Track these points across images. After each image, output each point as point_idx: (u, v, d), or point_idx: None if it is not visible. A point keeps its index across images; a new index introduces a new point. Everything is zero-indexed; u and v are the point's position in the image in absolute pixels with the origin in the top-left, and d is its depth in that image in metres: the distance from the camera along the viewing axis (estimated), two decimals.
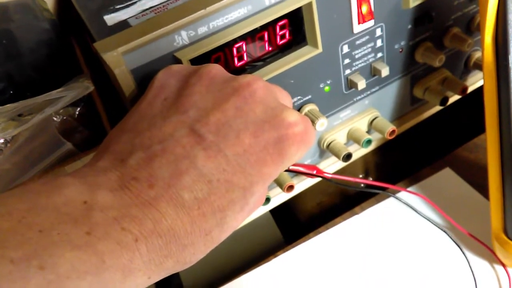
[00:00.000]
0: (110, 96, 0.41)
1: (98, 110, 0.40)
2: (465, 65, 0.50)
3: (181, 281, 0.52)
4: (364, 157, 0.58)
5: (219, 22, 0.34)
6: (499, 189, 0.39)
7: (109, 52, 0.31)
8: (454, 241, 0.44)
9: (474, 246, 0.43)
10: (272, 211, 0.59)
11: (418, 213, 0.47)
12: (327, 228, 0.49)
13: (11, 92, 0.47)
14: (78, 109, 0.42)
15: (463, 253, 0.43)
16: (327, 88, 0.43)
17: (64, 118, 0.37)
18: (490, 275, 0.42)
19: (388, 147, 0.55)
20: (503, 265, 0.42)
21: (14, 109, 0.32)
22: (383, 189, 0.49)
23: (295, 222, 0.62)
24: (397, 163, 0.63)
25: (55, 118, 0.36)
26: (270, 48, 0.38)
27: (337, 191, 0.65)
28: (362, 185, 0.60)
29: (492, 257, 0.42)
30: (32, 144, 0.35)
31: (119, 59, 0.31)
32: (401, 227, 0.47)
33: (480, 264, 0.42)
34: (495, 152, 0.39)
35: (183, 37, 0.33)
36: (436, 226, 0.46)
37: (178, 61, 0.34)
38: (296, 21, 0.38)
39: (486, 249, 0.42)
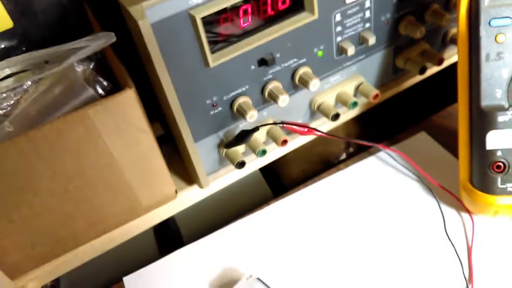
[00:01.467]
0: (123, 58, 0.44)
1: (113, 66, 0.44)
2: (442, 40, 0.56)
3: (179, 228, 0.57)
4: (346, 125, 0.63)
5: None
6: (467, 144, 0.45)
7: (134, 5, 0.35)
8: (428, 188, 0.50)
9: (445, 197, 0.49)
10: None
11: (398, 168, 0.53)
12: (315, 182, 0.54)
13: (24, 49, 0.50)
14: (92, 63, 0.45)
15: (436, 200, 0.49)
16: (320, 53, 0.48)
17: (85, 68, 0.41)
18: (458, 221, 0.47)
19: (369, 114, 0.60)
20: (469, 212, 0.47)
21: (42, 55, 0.36)
22: (366, 148, 0.54)
23: (281, 187, 0.67)
24: (377, 130, 0.68)
25: (77, 69, 0.40)
26: (272, 12, 0.42)
27: (320, 159, 0.70)
28: (344, 156, 0.65)
29: (460, 206, 0.48)
30: (57, 89, 0.39)
31: (143, 12, 0.35)
32: (382, 181, 0.52)
33: (449, 212, 0.48)
34: (464, 112, 0.44)
35: None
36: (412, 177, 0.52)
37: (192, 18, 0.38)
38: None
39: (454, 199, 0.48)
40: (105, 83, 0.42)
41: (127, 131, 0.42)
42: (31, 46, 0.49)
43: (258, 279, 0.43)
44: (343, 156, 0.67)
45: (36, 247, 0.44)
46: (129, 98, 0.40)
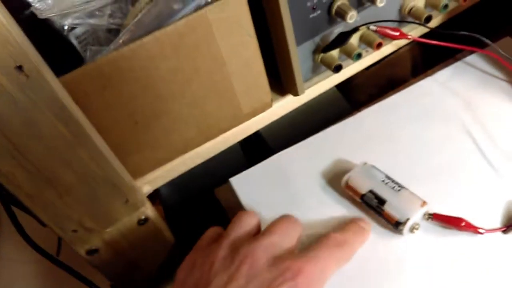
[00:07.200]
0: None
1: None
2: None
3: (266, 141, 0.59)
4: None
5: None
6: None
7: None
8: None
9: None
10: None
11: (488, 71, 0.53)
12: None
13: None
14: None
15: None
16: None
17: None
18: None
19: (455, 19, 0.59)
20: None
21: None
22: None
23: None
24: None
25: None
26: None
27: (388, 83, 0.70)
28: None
29: None
30: None
31: None
32: (471, 87, 0.53)
33: None
34: None
35: None
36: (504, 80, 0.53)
37: None
38: None
39: None
40: None
41: (237, 34, 0.44)
42: None
43: (373, 166, 0.45)
44: (410, 79, 0.67)
45: (154, 150, 0.48)
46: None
